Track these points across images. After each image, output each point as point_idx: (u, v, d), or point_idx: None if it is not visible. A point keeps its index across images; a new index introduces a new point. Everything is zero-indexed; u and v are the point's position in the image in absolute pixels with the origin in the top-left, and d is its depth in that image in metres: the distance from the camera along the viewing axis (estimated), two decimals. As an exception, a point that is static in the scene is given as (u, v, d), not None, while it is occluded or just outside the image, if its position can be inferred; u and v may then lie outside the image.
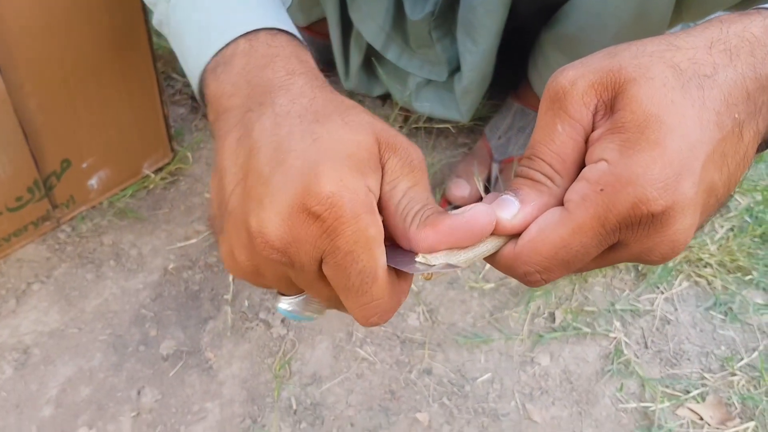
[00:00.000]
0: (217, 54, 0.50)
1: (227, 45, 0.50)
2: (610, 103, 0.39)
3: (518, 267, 0.40)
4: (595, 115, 0.39)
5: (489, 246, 0.41)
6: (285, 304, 0.46)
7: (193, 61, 0.53)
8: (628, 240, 0.39)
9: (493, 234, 0.41)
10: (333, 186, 0.38)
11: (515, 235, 0.41)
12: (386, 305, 0.41)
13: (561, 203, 0.40)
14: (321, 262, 0.40)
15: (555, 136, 0.40)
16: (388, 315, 0.42)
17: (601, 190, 0.37)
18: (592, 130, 0.40)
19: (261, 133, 0.42)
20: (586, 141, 0.40)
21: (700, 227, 0.41)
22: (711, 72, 0.38)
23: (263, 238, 0.39)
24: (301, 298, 0.46)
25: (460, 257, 0.40)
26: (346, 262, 0.39)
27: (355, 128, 0.42)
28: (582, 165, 0.40)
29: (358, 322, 0.42)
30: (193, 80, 0.54)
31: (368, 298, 0.40)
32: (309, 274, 0.41)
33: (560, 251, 0.39)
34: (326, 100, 0.44)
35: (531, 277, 0.41)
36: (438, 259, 0.40)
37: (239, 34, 0.50)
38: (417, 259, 0.40)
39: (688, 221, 0.38)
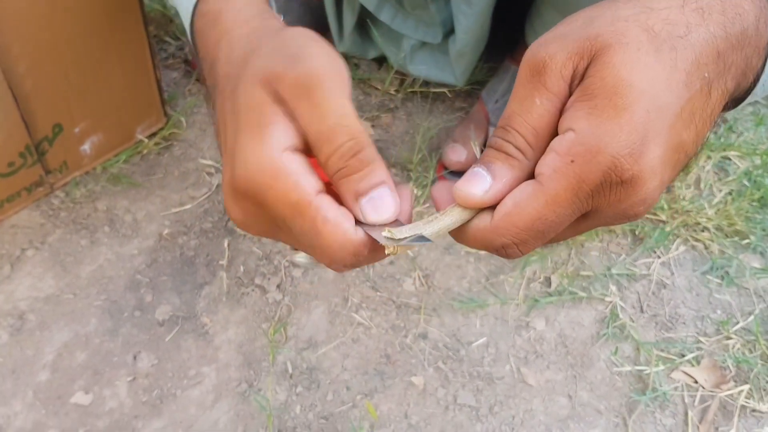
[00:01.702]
0: (193, 17, 0.52)
1: (192, 22, 0.52)
2: (585, 69, 0.39)
3: (495, 240, 0.40)
4: (570, 84, 0.39)
5: (456, 218, 0.41)
6: (299, 256, 0.47)
7: (185, 20, 0.55)
8: (600, 206, 0.39)
9: (459, 206, 0.41)
10: (243, 168, 0.40)
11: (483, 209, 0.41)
12: (343, 253, 0.40)
13: (531, 175, 0.40)
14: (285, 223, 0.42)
15: (533, 109, 0.40)
16: (350, 263, 0.41)
17: (572, 161, 0.37)
18: (567, 100, 0.40)
19: (218, 116, 0.45)
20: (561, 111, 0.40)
21: (671, 182, 0.42)
22: (684, 32, 0.39)
23: (233, 218, 0.43)
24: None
25: (426, 230, 0.40)
26: (288, 224, 0.40)
27: (245, 87, 0.42)
28: (554, 135, 0.40)
29: (328, 267, 0.43)
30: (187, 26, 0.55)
31: (320, 247, 0.40)
32: (278, 236, 0.43)
33: (536, 223, 0.39)
34: (239, 62, 0.45)
35: (509, 249, 0.41)
36: (403, 232, 0.40)
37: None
38: (383, 234, 0.40)
39: (656, 181, 0.38)
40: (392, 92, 1.21)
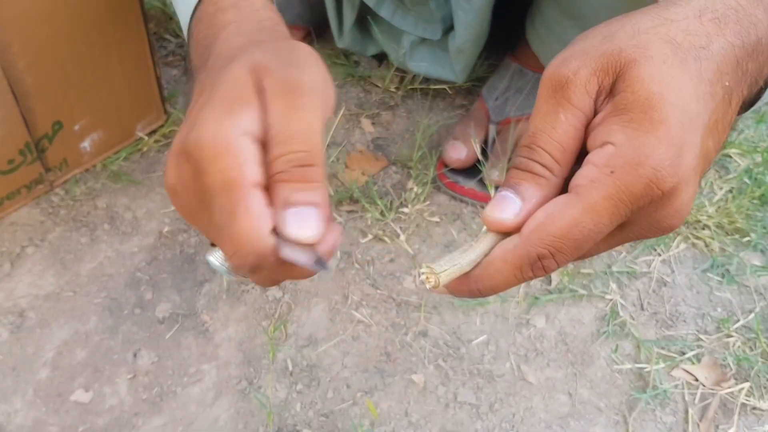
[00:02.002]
0: (191, 19, 0.53)
1: (195, 9, 0.53)
2: (611, 87, 0.39)
3: (530, 251, 0.39)
4: (596, 100, 0.39)
5: (490, 243, 0.41)
6: (211, 255, 0.45)
7: (183, 23, 0.56)
8: (637, 217, 0.39)
9: (492, 231, 0.40)
10: (198, 130, 0.40)
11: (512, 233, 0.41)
12: (248, 249, 0.39)
13: (558, 193, 0.40)
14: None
15: (557, 125, 0.39)
16: (251, 261, 0.40)
17: (612, 172, 0.37)
18: (594, 116, 0.40)
19: (194, 93, 0.46)
20: (587, 128, 0.40)
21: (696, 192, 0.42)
22: (705, 43, 0.39)
23: (165, 179, 0.43)
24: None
25: (463, 259, 0.40)
26: (211, 199, 0.40)
27: (232, 66, 0.42)
28: (579, 153, 0.40)
29: (229, 259, 0.42)
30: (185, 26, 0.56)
31: (229, 233, 0.39)
32: (196, 216, 0.43)
33: (573, 230, 0.38)
34: (243, 43, 0.46)
35: (545, 260, 0.39)
36: (442, 265, 0.40)
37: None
38: (422, 271, 0.40)
39: (691, 191, 0.38)
40: (392, 90, 1.21)
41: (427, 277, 0.40)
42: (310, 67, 0.42)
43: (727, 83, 0.39)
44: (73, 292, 0.98)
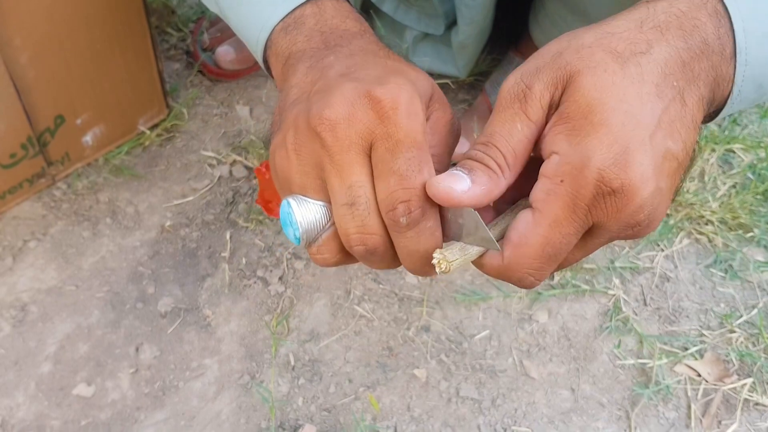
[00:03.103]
0: (284, 18, 0.53)
1: (294, 9, 0.53)
2: (560, 98, 0.41)
3: (512, 274, 0.43)
4: (548, 113, 0.42)
5: (495, 234, 0.44)
6: (294, 200, 0.44)
7: (255, 25, 0.55)
8: (601, 220, 0.41)
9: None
10: (397, 88, 0.42)
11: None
12: (422, 201, 0.42)
13: (502, 195, 0.43)
14: (369, 149, 0.43)
15: (514, 133, 0.41)
16: (417, 214, 0.42)
17: (561, 181, 0.39)
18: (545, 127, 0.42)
19: (334, 60, 0.47)
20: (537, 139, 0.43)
21: (675, 190, 0.43)
22: (646, 48, 0.41)
23: (319, 114, 0.42)
24: (316, 203, 0.45)
25: (472, 250, 0.43)
26: (397, 147, 0.42)
27: (419, 71, 0.47)
28: (527, 160, 0.43)
29: (386, 214, 0.42)
30: (257, 44, 0.55)
31: (410, 182, 0.41)
32: (351, 153, 0.42)
33: (545, 248, 0.41)
34: (390, 53, 0.50)
35: (525, 281, 0.43)
36: (454, 255, 0.42)
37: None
38: (434, 255, 0.42)
39: (650, 188, 0.40)
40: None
41: (440, 262, 0.42)
42: (451, 117, 0.48)
43: (675, 83, 0.41)
44: (75, 286, 0.98)
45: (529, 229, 0.41)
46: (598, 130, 0.39)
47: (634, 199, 0.39)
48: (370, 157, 0.43)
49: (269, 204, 0.79)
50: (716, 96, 0.44)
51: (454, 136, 0.47)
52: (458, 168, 0.42)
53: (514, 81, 0.42)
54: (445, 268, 0.42)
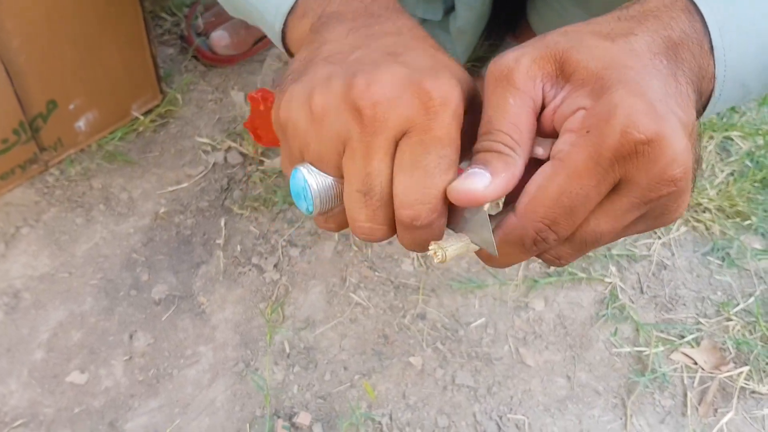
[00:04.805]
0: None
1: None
2: (557, 74, 0.40)
3: (527, 227, 0.40)
4: (543, 88, 0.40)
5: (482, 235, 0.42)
6: (307, 170, 0.43)
7: None
8: (630, 173, 0.38)
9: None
10: (450, 83, 0.40)
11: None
12: (438, 205, 0.40)
13: (523, 173, 0.41)
14: (400, 138, 0.41)
15: (508, 108, 0.40)
16: (427, 218, 0.41)
17: (587, 132, 0.37)
18: (543, 105, 0.41)
19: (380, 32, 0.45)
20: (538, 118, 0.41)
21: (696, 157, 0.41)
22: (628, 31, 0.41)
23: (365, 87, 0.40)
24: (328, 178, 0.43)
25: (470, 243, 0.42)
26: (433, 143, 0.40)
27: (464, 70, 0.44)
28: (534, 133, 0.41)
29: (400, 210, 0.41)
30: (277, 9, 0.52)
31: (432, 181, 0.40)
32: (380, 137, 0.40)
33: (562, 198, 0.38)
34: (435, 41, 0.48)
35: (542, 233, 0.39)
36: (451, 243, 0.42)
37: None
38: (430, 247, 0.41)
39: (683, 141, 0.38)
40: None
41: (435, 252, 0.41)
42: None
43: (664, 61, 0.41)
44: (69, 273, 0.97)
45: (548, 178, 0.38)
46: (622, 84, 0.37)
47: (666, 151, 0.37)
48: (397, 146, 0.41)
49: (257, 131, 0.78)
50: (702, 88, 0.43)
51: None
52: (473, 166, 0.40)
53: (494, 63, 0.41)
54: (441, 257, 0.41)
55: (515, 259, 0.42)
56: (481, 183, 0.39)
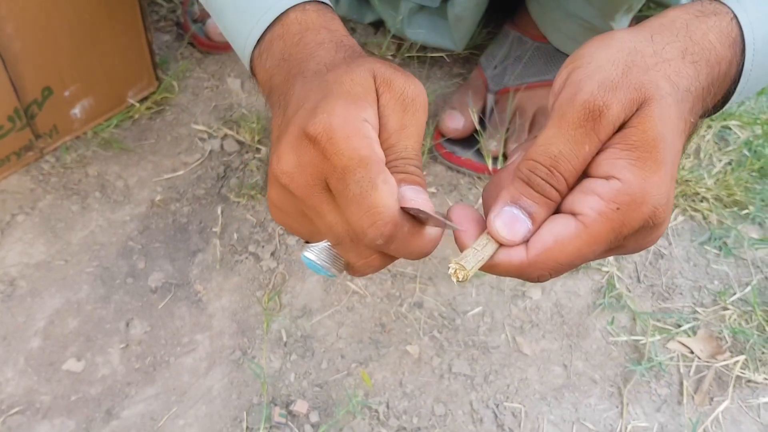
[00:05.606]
0: (258, 43, 0.54)
1: (264, 32, 0.54)
2: (629, 118, 0.43)
3: (533, 272, 0.44)
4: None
5: (491, 250, 0.45)
6: (308, 252, 0.48)
7: (239, 44, 0.56)
8: (626, 242, 0.43)
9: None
10: (326, 115, 0.42)
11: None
12: (386, 216, 0.42)
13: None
14: (326, 184, 0.43)
15: (581, 156, 0.42)
16: (387, 232, 0.42)
17: (618, 208, 0.41)
18: None
19: (292, 97, 0.48)
20: None
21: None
22: (688, 85, 0.44)
23: (279, 167, 0.44)
24: (323, 245, 0.47)
25: (485, 254, 0.44)
26: (345, 175, 0.42)
27: (353, 68, 0.46)
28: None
29: (363, 239, 0.43)
30: (243, 59, 0.57)
31: (368, 204, 0.42)
32: (315, 198, 0.44)
33: (576, 259, 0.43)
34: (345, 56, 0.50)
35: (542, 278, 0.44)
36: (470, 262, 0.44)
37: (271, 20, 0.53)
38: (450, 266, 0.44)
39: (671, 214, 0.46)
40: (389, 57, 1.19)
41: (456, 272, 0.44)
42: (417, 85, 0.47)
43: (692, 119, 0.45)
44: (65, 260, 0.96)
45: (568, 238, 0.42)
46: (661, 168, 0.41)
47: (660, 229, 0.43)
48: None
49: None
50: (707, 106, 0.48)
51: (413, 112, 0.46)
52: (516, 206, 0.43)
53: (590, 94, 0.42)
54: (463, 277, 0.43)
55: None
56: (521, 233, 0.43)
